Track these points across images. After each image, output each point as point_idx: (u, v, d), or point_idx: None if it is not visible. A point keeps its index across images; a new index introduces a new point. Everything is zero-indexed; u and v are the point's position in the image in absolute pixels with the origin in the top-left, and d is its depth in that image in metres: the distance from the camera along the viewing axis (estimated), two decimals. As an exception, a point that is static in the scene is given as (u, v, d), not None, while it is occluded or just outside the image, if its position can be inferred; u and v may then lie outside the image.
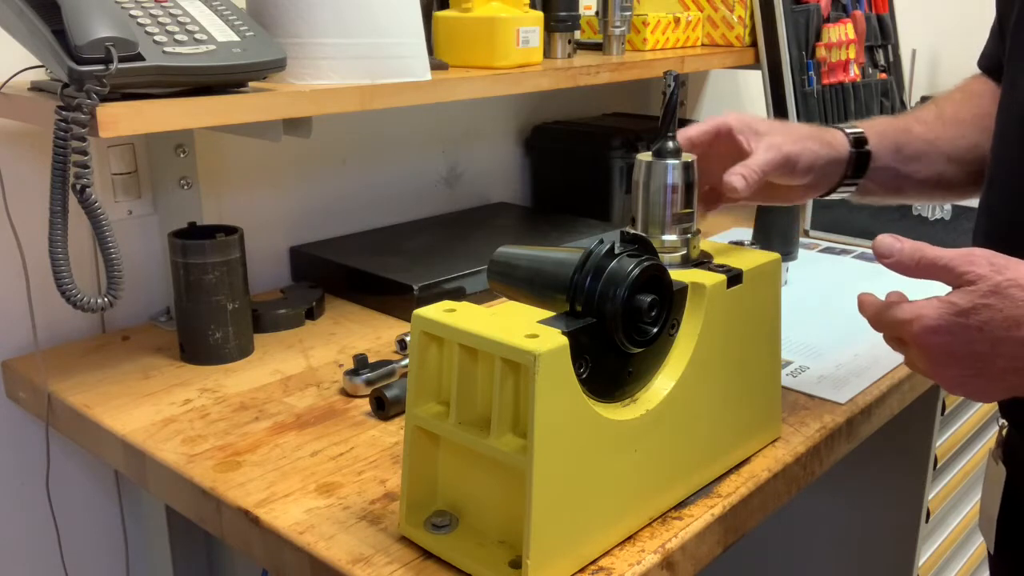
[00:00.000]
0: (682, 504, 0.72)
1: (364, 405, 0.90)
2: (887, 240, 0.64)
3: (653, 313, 0.64)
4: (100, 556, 1.14)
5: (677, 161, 0.74)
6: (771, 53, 1.51)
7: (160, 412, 0.89)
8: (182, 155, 1.08)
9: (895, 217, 1.38)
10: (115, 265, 0.82)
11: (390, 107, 0.99)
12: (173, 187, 1.09)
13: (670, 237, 0.74)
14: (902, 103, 1.75)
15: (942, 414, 1.19)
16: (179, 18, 0.84)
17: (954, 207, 1.33)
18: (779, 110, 1.52)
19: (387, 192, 1.39)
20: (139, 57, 0.78)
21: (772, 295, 0.79)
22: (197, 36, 0.83)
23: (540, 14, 1.18)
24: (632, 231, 0.69)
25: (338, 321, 1.13)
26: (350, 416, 0.88)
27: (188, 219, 1.05)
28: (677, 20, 1.46)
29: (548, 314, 0.64)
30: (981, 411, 1.34)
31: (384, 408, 0.87)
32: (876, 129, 0.86)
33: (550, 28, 1.23)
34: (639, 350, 0.66)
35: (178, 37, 0.82)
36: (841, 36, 1.58)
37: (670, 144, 0.74)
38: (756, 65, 1.54)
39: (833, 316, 1.13)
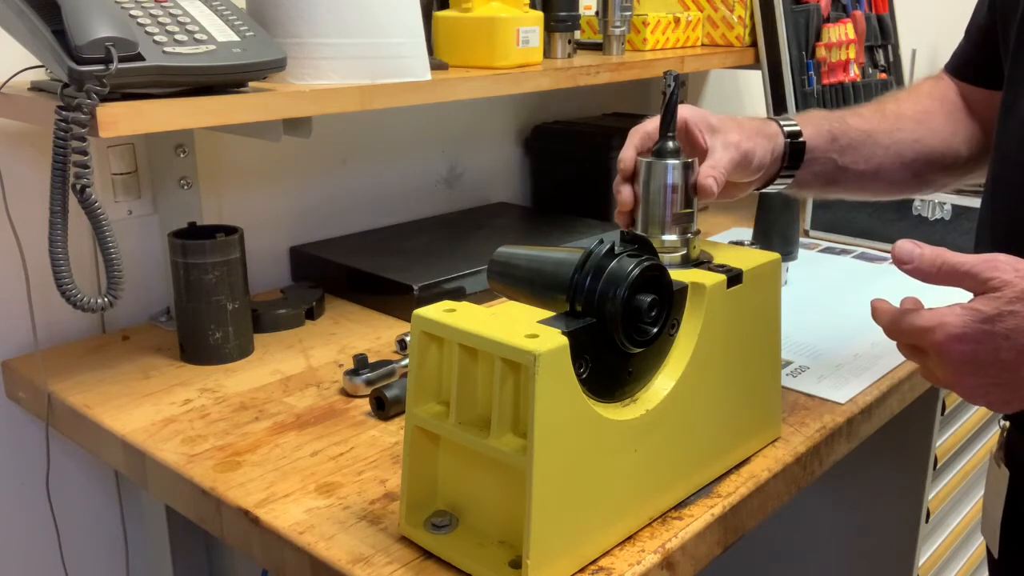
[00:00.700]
0: (682, 504, 0.72)
1: (364, 405, 0.90)
2: (906, 245, 0.62)
3: (653, 313, 0.64)
4: (100, 556, 1.14)
5: (677, 161, 0.74)
6: (771, 53, 1.51)
7: (160, 412, 0.89)
8: (182, 155, 1.08)
9: (895, 217, 1.38)
10: (115, 265, 0.82)
11: (390, 107, 0.98)
12: (173, 187, 1.09)
13: (670, 237, 0.74)
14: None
15: (942, 414, 1.19)
16: (179, 18, 0.84)
17: (954, 207, 1.32)
18: (779, 110, 1.51)
19: (387, 192, 1.39)
20: (139, 57, 0.78)
21: (772, 295, 0.79)
22: (197, 36, 0.83)
23: (540, 14, 1.18)
24: (632, 231, 0.69)
25: (338, 321, 1.13)
26: (350, 416, 0.88)
27: (188, 219, 1.05)
28: (677, 20, 1.46)
29: (548, 314, 0.64)
30: (981, 411, 1.34)
31: (384, 408, 0.87)
32: (810, 120, 0.86)
33: (550, 28, 1.23)
34: (639, 350, 0.66)
35: (178, 37, 0.82)
36: (841, 36, 1.57)
37: (670, 144, 0.74)
38: (756, 65, 1.54)
39: (833, 316, 1.13)
